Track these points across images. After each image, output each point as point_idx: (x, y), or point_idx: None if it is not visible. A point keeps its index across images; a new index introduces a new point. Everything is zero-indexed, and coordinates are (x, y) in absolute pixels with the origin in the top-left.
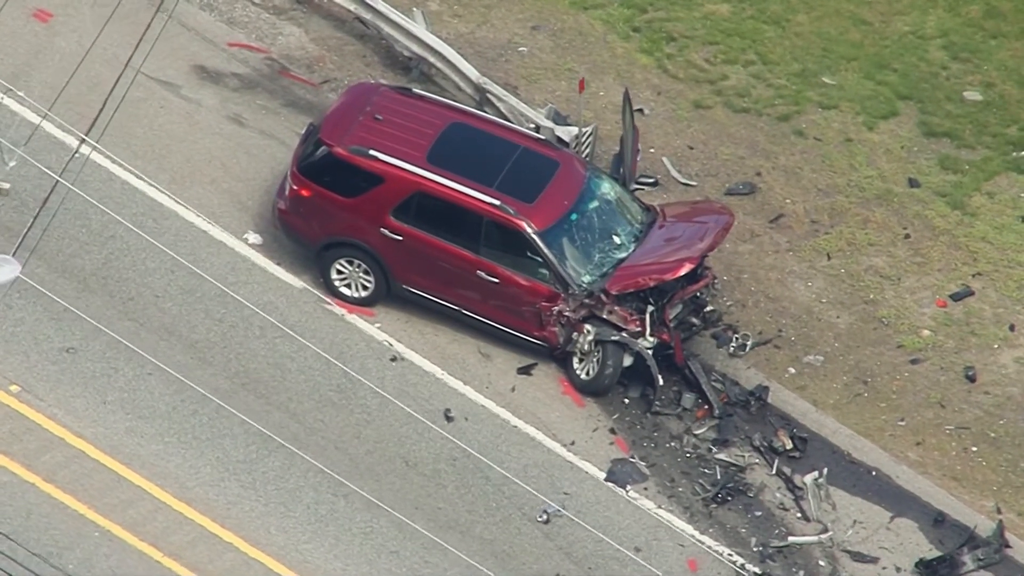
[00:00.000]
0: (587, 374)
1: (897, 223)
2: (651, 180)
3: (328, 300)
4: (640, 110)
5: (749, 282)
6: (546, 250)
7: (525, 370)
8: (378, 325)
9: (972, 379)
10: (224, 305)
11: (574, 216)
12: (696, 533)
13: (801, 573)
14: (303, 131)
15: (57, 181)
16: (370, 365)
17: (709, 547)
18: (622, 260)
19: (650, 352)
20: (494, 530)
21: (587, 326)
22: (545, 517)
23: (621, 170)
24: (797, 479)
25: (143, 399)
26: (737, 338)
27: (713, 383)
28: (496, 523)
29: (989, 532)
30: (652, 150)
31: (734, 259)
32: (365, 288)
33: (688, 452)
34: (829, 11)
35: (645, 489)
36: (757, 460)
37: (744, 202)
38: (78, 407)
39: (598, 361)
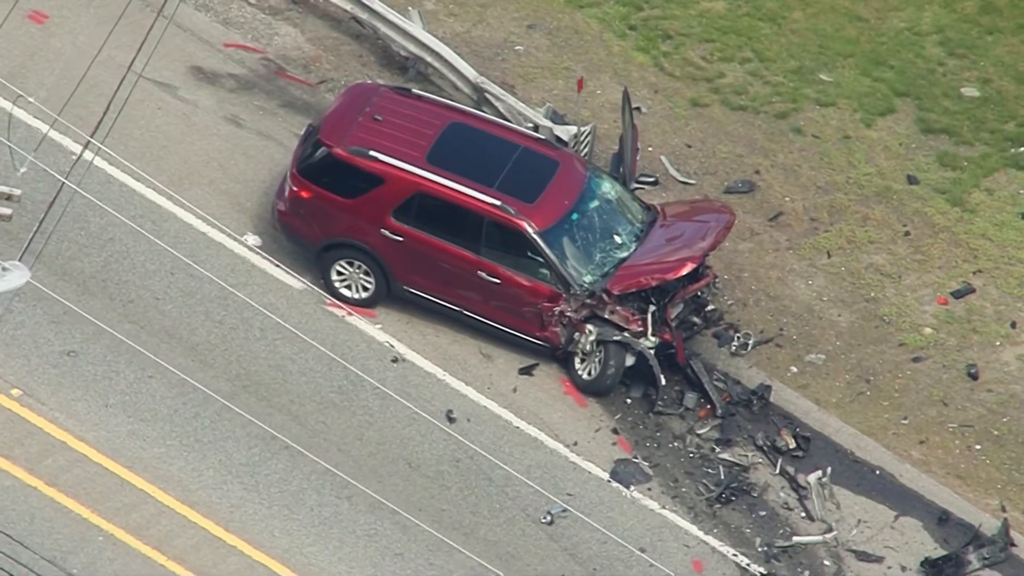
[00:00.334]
0: (589, 374)
1: (897, 220)
2: (651, 179)
3: (328, 301)
4: (638, 108)
5: (750, 281)
6: (547, 250)
7: (527, 371)
8: (379, 326)
9: (975, 377)
10: (224, 307)
11: (575, 216)
12: (701, 533)
13: (806, 573)
14: (302, 132)
15: (62, 185)
16: (371, 366)
17: (714, 547)
18: (623, 260)
19: (652, 352)
20: (498, 532)
21: (589, 326)
22: (549, 518)
23: (621, 169)
24: (801, 478)
25: (145, 402)
26: (739, 337)
27: (715, 382)
28: (500, 524)
29: (994, 531)
30: (650, 149)
31: (734, 258)
32: (365, 289)
33: (691, 452)
34: (824, 8)
35: (649, 489)
36: (760, 460)
37: (743, 200)
38: (80, 411)
39: (600, 361)
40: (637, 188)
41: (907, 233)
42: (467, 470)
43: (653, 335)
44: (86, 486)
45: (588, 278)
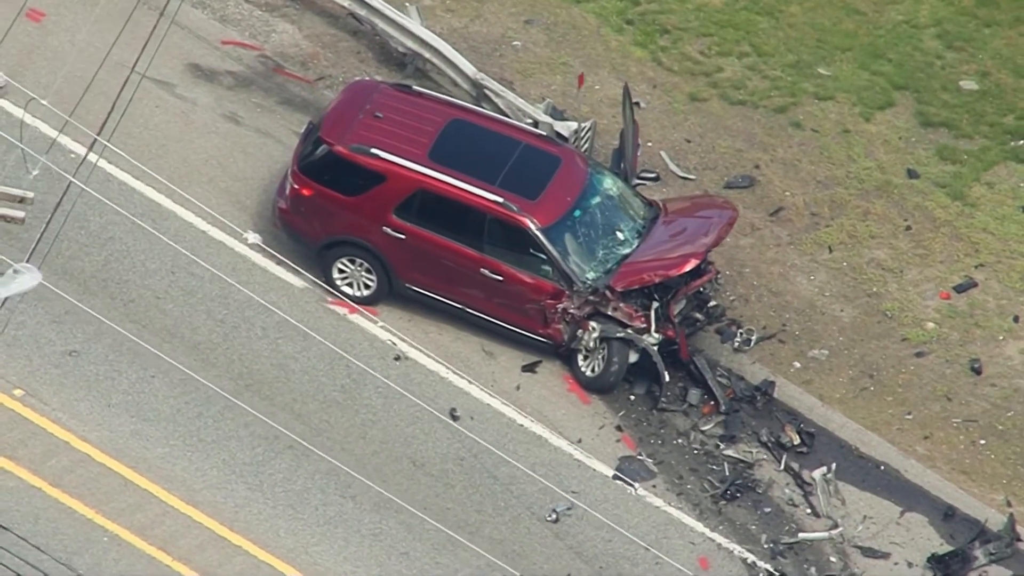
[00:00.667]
0: (592, 371)
1: (898, 215)
2: (652, 175)
3: (330, 299)
4: (636, 104)
5: (751, 276)
6: (550, 247)
7: (530, 368)
8: (381, 324)
9: (978, 371)
10: (226, 306)
11: (577, 212)
12: (706, 530)
13: (813, 570)
14: (303, 130)
15: (69, 184)
16: (374, 365)
17: (720, 544)
18: (626, 256)
19: (655, 348)
20: (503, 530)
21: (592, 323)
22: (554, 516)
23: (622, 165)
24: (806, 475)
25: (147, 402)
26: (741, 333)
27: (719, 379)
28: (505, 523)
29: (1000, 526)
30: (650, 144)
31: (735, 253)
32: (367, 287)
33: (695, 449)
34: (822, 1)
35: (653, 487)
36: (765, 456)
37: (743, 195)
38: (82, 411)
39: (603, 358)
40: (638, 184)
41: (908, 227)
42: (471, 468)
43: (656, 331)
44: (90, 486)
45: (591, 275)
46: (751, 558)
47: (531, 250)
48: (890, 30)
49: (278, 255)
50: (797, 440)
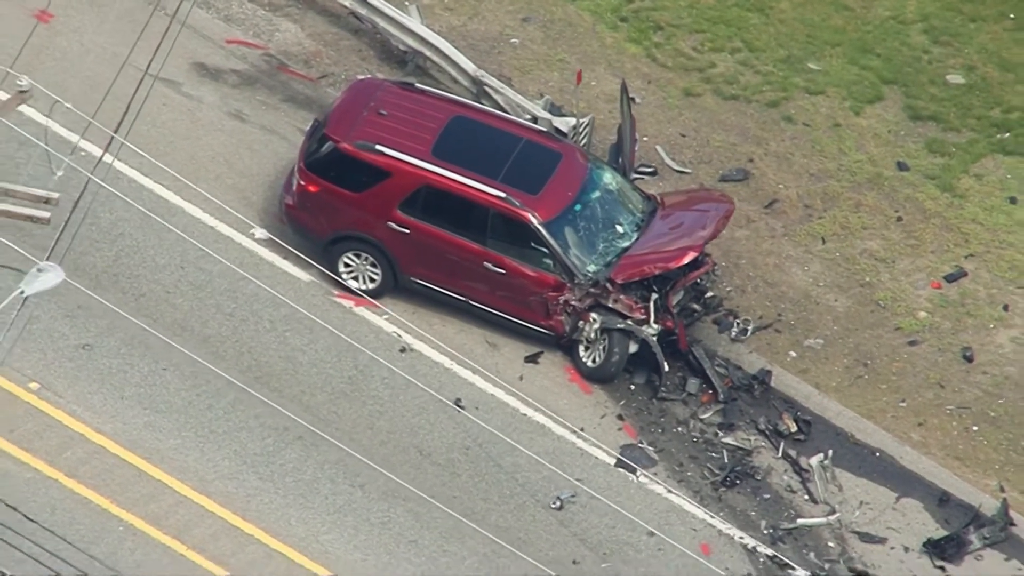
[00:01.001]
0: (593, 361)
1: (889, 206)
2: (650, 169)
3: (336, 292)
4: (632, 99)
5: (747, 267)
6: (552, 240)
7: (532, 359)
8: (386, 317)
9: (970, 359)
10: (234, 300)
11: (578, 207)
12: (707, 517)
13: (812, 555)
14: (308, 127)
15: (88, 182)
16: (380, 357)
17: (720, 530)
18: (626, 249)
19: (655, 339)
20: (509, 518)
21: (593, 314)
22: (559, 503)
23: (620, 160)
24: (803, 461)
25: (160, 394)
26: (738, 323)
27: (717, 368)
28: (511, 511)
29: (994, 511)
30: (645, 139)
31: (731, 245)
32: (372, 280)
33: (695, 437)
34: None
35: (655, 474)
36: (763, 443)
37: (738, 188)
38: (96, 403)
39: (604, 349)
40: (637, 178)
41: (899, 219)
42: (477, 457)
43: (655, 322)
44: (105, 477)
45: (592, 267)
46: (752, 543)
47: (533, 244)
48: (878, 25)
49: (287, 246)
50: (794, 428)
